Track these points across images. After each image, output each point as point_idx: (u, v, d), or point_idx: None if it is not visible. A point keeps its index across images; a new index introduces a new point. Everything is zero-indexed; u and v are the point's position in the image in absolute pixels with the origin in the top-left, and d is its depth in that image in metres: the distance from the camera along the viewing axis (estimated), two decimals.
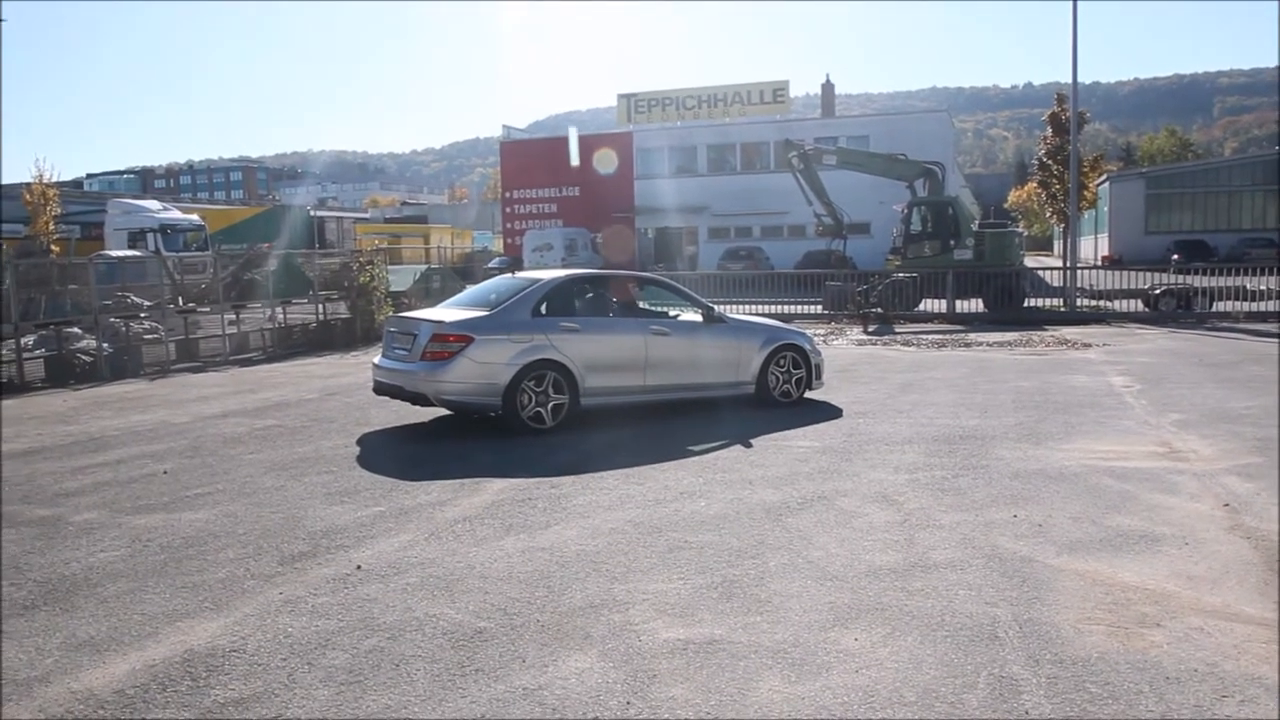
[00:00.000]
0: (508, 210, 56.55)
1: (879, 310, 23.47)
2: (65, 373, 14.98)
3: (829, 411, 10.76)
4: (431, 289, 23.58)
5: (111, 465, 8.60)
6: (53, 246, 39.40)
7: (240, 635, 4.63)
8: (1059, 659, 4.24)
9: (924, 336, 20.11)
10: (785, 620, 4.74)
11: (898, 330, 21.83)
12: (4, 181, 50.31)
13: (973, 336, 19.83)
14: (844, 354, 16.88)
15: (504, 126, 61.80)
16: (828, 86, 62.24)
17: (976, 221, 34.25)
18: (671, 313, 11.23)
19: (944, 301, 24.33)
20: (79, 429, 10.54)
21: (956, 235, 27.17)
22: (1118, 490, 7.15)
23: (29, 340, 15.32)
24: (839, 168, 32.03)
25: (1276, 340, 17.96)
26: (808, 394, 11.35)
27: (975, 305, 24.60)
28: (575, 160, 53.11)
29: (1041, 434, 9.30)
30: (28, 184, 49.01)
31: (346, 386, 13.42)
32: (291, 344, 19.39)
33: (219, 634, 4.65)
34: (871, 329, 22.01)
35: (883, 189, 35.05)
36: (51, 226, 47.42)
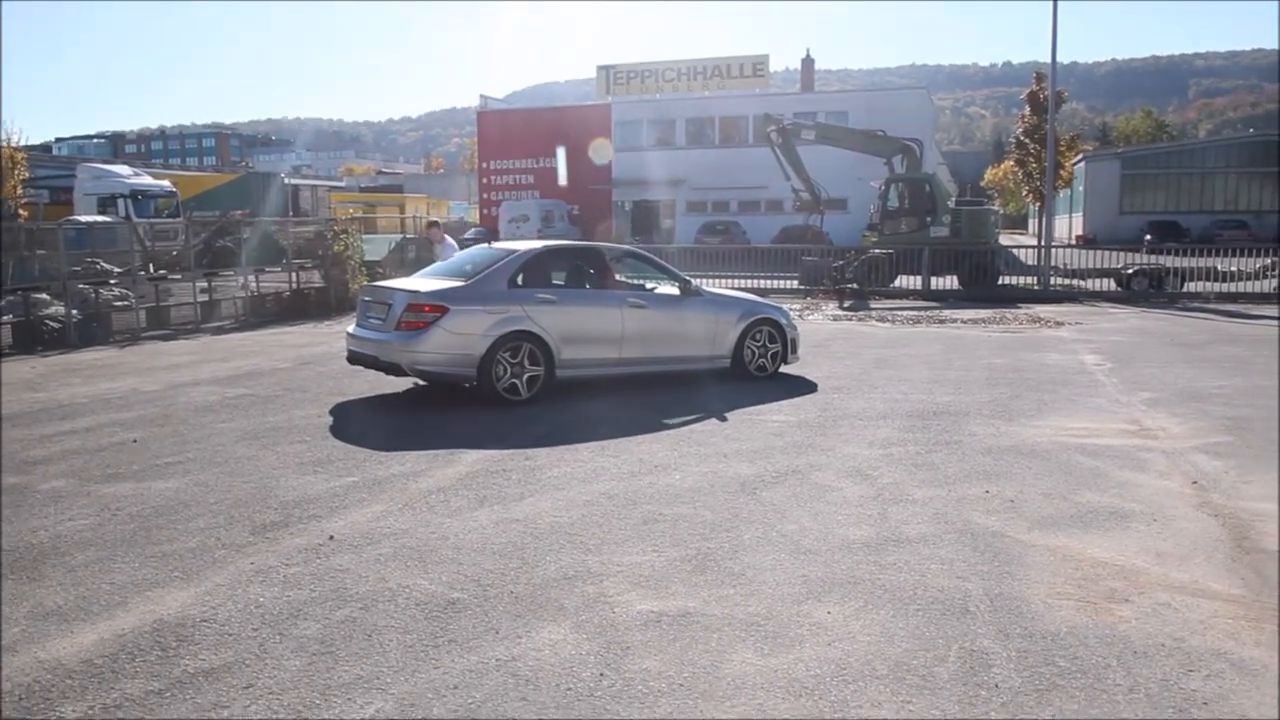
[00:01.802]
0: (484, 181, 56.20)
1: (855, 286, 23.51)
2: (33, 339, 14.78)
3: (804, 386, 10.78)
4: (406, 259, 23.37)
5: (80, 433, 8.50)
6: (20, 211, 38.80)
7: (211, 605, 4.60)
8: (1029, 633, 4.28)
9: (899, 313, 20.20)
10: (758, 593, 4.75)
11: (873, 306, 21.90)
12: None
13: (947, 313, 19.92)
14: (820, 329, 16.92)
15: (481, 96, 61.22)
16: (807, 62, 62.01)
17: (953, 199, 34.39)
18: (648, 285, 11.19)
19: (919, 278, 24.41)
20: (47, 396, 10.40)
21: (933, 212, 27.25)
22: (1088, 467, 7.21)
23: None
24: (817, 143, 32.00)
25: (1252, 321, 18.17)
26: (783, 368, 11.37)
27: (950, 282, 24.69)
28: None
29: (1014, 411, 9.36)
30: None
31: (320, 356, 13.32)
32: (265, 313, 19.22)
33: (189, 604, 4.61)
34: (847, 304, 22.07)
35: (860, 165, 35.05)
36: (19, 191, 46.64)
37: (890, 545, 5.45)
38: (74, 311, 15.42)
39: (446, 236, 13.49)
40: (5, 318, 15.11)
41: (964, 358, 13.20)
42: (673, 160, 52.55)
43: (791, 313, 12.34)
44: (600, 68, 57.53)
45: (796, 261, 25.96)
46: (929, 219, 27.15)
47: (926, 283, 24.28)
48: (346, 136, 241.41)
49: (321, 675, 3.89)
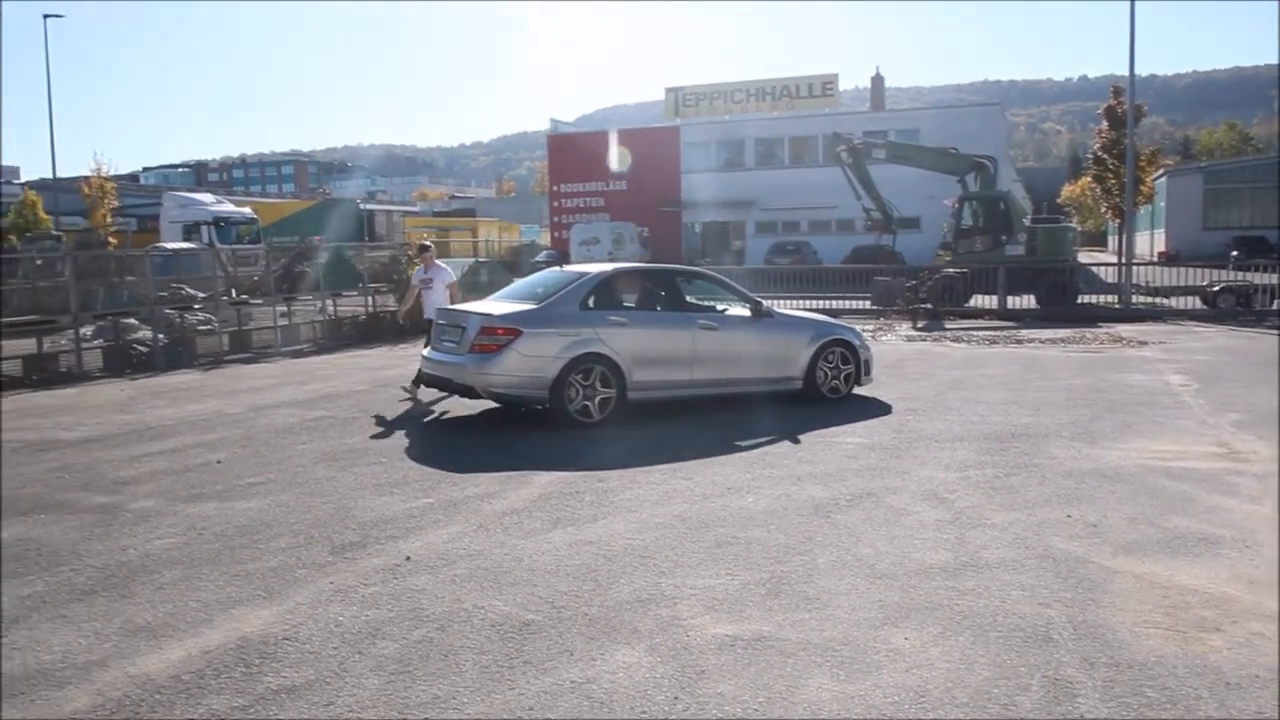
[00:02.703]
0: (555, 204, 56.73)
1: (928, 306, 23.20)
2: (122, 362, 15.28)
3: (878, 408, 10.66)
4: (479, 282, 23.70)
5: (167, 454, 8.75)
6: (110, 239, 40.23)
7: (292, 623, 4.69)
8: (1115, 662, 4.16)
9: (974, 333, 19.87)
10: (834, 618, 4.70)
11: (947, 326, 21.59)
12: (64, 175, 51.38)
13: (1024, 333, 19.55)
14: (893, 350, 16.73)
15: (551, 120, 61.90)
16: (877, 80, 61.60)
17: (1029, 216, 33.78)
18: (719, 307, 11.18)
19: (995, 297, 24.00)
20: (135, 418, 10.73)
21: (1008, 230, 26.80)
22: (1175, 491, 7.00)
23: (88, 330, 15.65)
24: (888, 162, 31.72)
25: None
26: (856, 390, 11.26)
27: (1027, 301, 24.23)
28: (615, 165, 53.17)
29: (1096, 432, 9.14)
30: (86, 177, 50.15)
31: (396, 378, 13.53)
32: (341, 336, 19.60)
33: (272, 622, 4.71)
34: (921, 325, 21.78)
35: (933, 184, 34.65)
36: (109, 219, 48.47)
37: (969, 570, 5.36)
38: (160, 335, 15.91)
39: (438, 262, 13.18)
40: (96, 342, 15.65)
41: (1042, 378, 12.93)
42: (742, 181, 52.52)
43: (864, 333, 12.22)
44: (669, 90, 57.82)
45: (869, 282, 25.72)
46: (1004, 237, 26.71)
47: (1003, 302, 23.86)
48: (420, 162, 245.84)
49: (400, 694, 3.94)
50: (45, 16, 46.58)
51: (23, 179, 58.80)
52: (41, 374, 14.38)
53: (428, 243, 13.37)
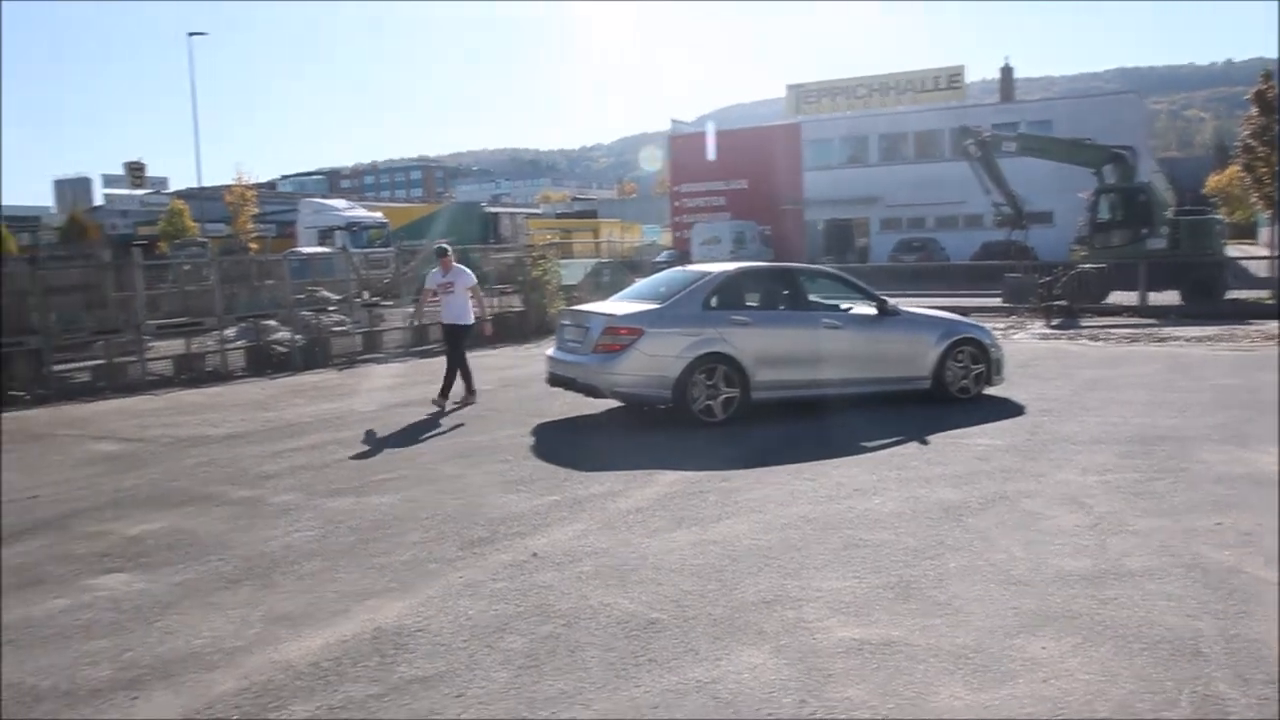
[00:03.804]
0: (676, 204, 56.81)
1: (1063, 303, 22.35)
2: (263, 362, 15.95)
3: (1010, 409, 10.33)
4: (602, 283, 23.92)
5: (305, 450, 9.10)
6: (251, 244, 42.09)
7: (424, 616, 4.81)
8: (1271, 679, 3.93)
9: (1112, 331, 19.06)
10: (966, 624, 4.57)
11: (1083, 324, 20.76)
12: (208, 184, 54.02)
13: (1167, 331, 18.65)
14: (1025, 349, 16.19)
15: (672, 120, 62.05)
16: (1006, 70, 59.83)
17: (1171, 209, 32.25)
18: (844, 306, 11.01)
19: (1135, 294, 22.97)
20: (276, 415, 11.20)
21: (1149, 223, 25.59)
22: None
23: (231, 332, 16.39)
24: (1019, 154, 30.67)
25: None
26: (987, 390, 10.93)
27: (1170, 298, 23.13)
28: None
29: (1248, 436, 8.65)
30: (229, 186, 52.62)
31: (521, 378, 13.77)
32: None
33: (405, 614, 4.85)
34: (1055, 323, 21.02)
35: (1067, 176, 33.33)
36: (250, 225, 50.70)
37: (1110, 578, 5.13)
38: (298, 336, 16.55)
39: (455, 264, 12.13)
40: (239, 342, 16.39)
41: (1188, 379, 12.32)
42: (866, 178, 51.63)
43: (995, 332, 11.86)
44: (790, 87, 57.30)
45: (999, 278, 24.95)
46: (1145, 230, 25.52)
47: (1143, 298, 22.80)
48: (543, 164, 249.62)
49: (528, 688, 4.00)
50: (190, 34, 49.24)
51: (171, 189, 61.98)
52: (190, 373, 15.14)
53: (444, 244, 12.95)
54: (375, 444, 9.35)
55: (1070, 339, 17.96)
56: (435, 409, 11.15)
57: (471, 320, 12.09)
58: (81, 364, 14.96)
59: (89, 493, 7.64)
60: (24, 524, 6.77)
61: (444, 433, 9.78)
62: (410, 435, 9.76)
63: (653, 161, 52.61)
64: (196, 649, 4.49)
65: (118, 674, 4.25)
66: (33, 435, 10.55)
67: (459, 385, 11.59)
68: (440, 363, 12.30)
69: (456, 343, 11.86)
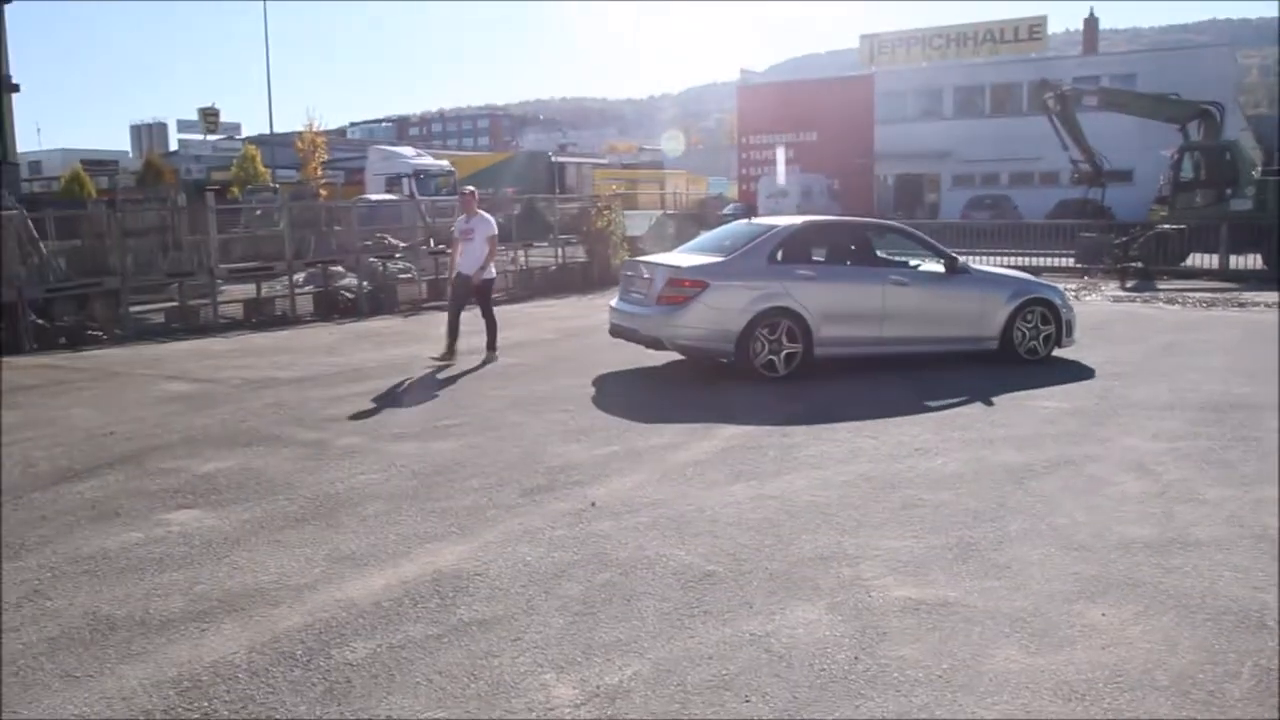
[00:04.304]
0: (743, 156, 56.19)
1: (1139, 265, 21.72)
2: (330, 308, 16.22)
3: (1080, 371, 10.12)
4: (666, 234, 23.82)
5: (370, 394, 9.25)
6: (320, 190, 42.62)
7: (483, 560, 4.89)
8: None
9: (1190, 294, 18.51)
10: (1025, 588, 4.52)
11: (1160, 287, 20.18)
12: (280, 130, 54.69)
13: (1248, 296, 18.05)
14: (1098, 311, 15.82)
15: (741, 70, 61.15)
16: (1090, 21, 57.75)
17: (1259, 168, 31.10)
18: (911, 262, 10.84)
19: (1215, 257, 22.23)
20: (343, 360, 11.39)
21: (1234, 183, 24.78)
22: None
23: (300, 277, 16.67)
24: (1100, 109, 29.85)
25: None
26: (1056, 352, 10.70)
27: (1253, 262, 22.34)
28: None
29: None
30: (299, 133, 53.22)
31: (583, 329, 13.82)
32: (532, 286, 20.13)
33: (464, 557, 4.93)
34: (1130, 285, 20.47)
35: (1150, 133, 32.36)
36: (320, 172, 51.30)
37: (1175, 547, 5.03)
38: (365, 283, 16.77)
39: (482, 211, 11.26)
40: (307, 288, 16.67)
41: (1269, 346, 11.92)
42: (939, 132, 50.50)
43: (1067, 293, 11.59)
44: (863, 37, 56.05)
45: (1073, 238, 24.32)
46: (1229, 190, 24.72)
47: (1224, 262, 22.04)
48: (610, 114, 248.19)
49: (583, 634, 4.06)
50: None
51: (244, 134, 62.93)
52: (259, 316, 15.46)
53: (469, 188, 11.97)
54: (438, 390, 9.48)
55: (1145, 302, 17.50)
56: (486, 360, 10.95)
57: (492, 275, 11.40)
58: (156, 305, 15.35)
59: (162, 431, 7.86)
60: (102, 459, 7.00)
61: (507, 381, 9.87)
62: (473, 382, 9.87)
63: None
64: (263, 584, 4.63)
65: (188, 606, 4.40)
66: (110, 374, 10.87)
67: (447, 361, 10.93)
68: (501, 311, 12.28)
69: (469, 297, 11.26)
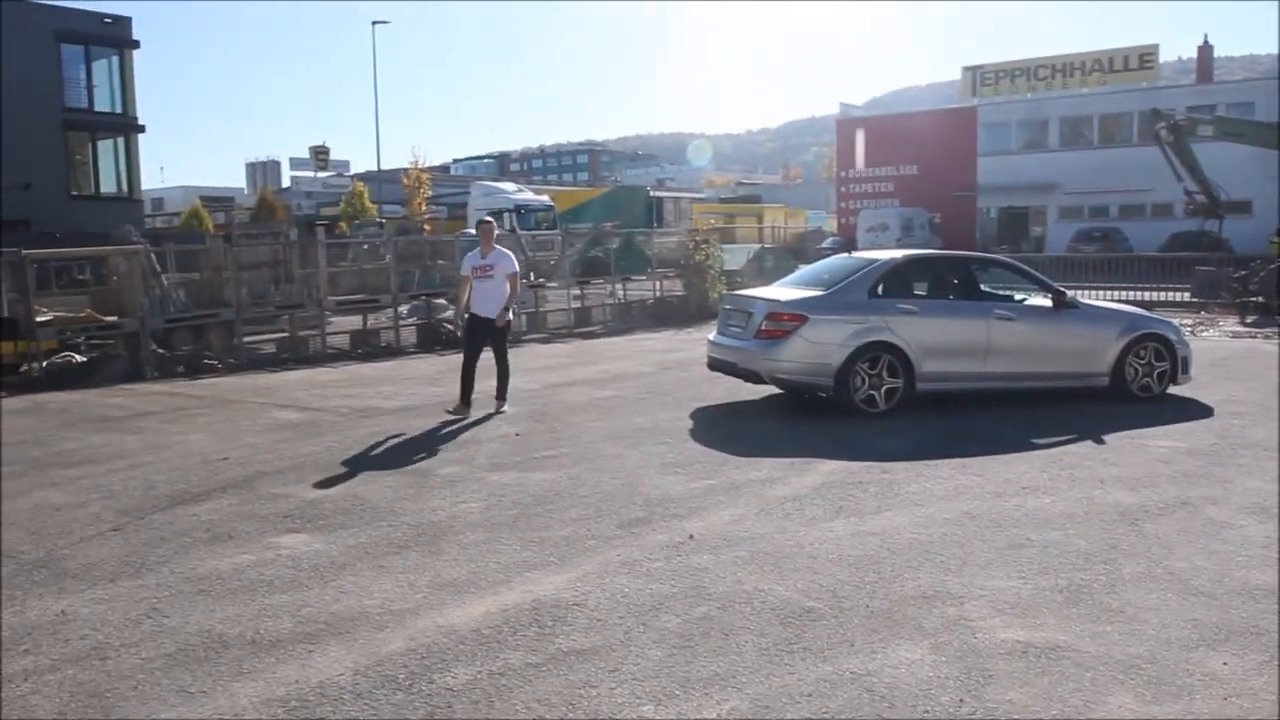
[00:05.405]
0: (843, 189, 55.84)
1: (1260, 299, 20.86)
2: (432, 339, 16.57)
3: (1197, 410, 9.74)
4: (765, 268, 23.77)
5: (470, 425, 9.41)
6: (425, 225, 43.69)
7: (582, 591, 4.91)
8: None
9: None
10: (1140, 633, 4.35)
11: None
12: (387, 167, 56.39)
13: None
14: (1216, 347, 15.22)
15: (841, 104, 60.93)
16: (1204, 49, 55.92)
17: None
18: (1017, 297, 10.60)
19: None
20: (444, 390, 11.60)
21: None
22: None
23: (404, 309, 17.10)
24: (1216, 139, 28.85)
25: None
26: (1171, 389, 10.31)
27: None
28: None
29: None
30: (405, 169, 54.81)
31: (681, 361, 13.84)
32: (630, 319, 20.27)
33: (563, 587, 4.96)
34: (1250, 320, 19.65)
35: (1269, 163, 31.16)
36: (424, 207, 52.67)
37: None
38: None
39: (497, 246, 10.35)
40: (411, 319, 17.08)
41: None
42: (1044, 163, 49.40)
43: (1183, 328, 11.17)
44: (966, 69, 55.26)
45: (1189, 272, 23.49)
46: None
47: None
48: (707, 149, 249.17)
49: (681, 668, 4.04)
50: (374, 23, 51.62)
51: (352, 171, 65.09)
52: (365, 347, 15.89)
53: (489, 219, 11.04)
54: (538, 422, 9.59)
55: (1266, 338, 16.77)
56: (495, 413, 9.99)
57: (508, 319, 10.45)
58: (268, 336, 15.92)
59: (272, 457, 8.13)
60: (216, 483, 7.26)
61: (605, 413, 9.94)
62: (572, 414, 9.95)
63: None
64: (367, 609, 4.73)
65: (296, 627, 4.52)
66: (224, 401, 11.29)
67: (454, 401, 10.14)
68: (600, 343, 12.37)
69: (485, 341, 10.33)
